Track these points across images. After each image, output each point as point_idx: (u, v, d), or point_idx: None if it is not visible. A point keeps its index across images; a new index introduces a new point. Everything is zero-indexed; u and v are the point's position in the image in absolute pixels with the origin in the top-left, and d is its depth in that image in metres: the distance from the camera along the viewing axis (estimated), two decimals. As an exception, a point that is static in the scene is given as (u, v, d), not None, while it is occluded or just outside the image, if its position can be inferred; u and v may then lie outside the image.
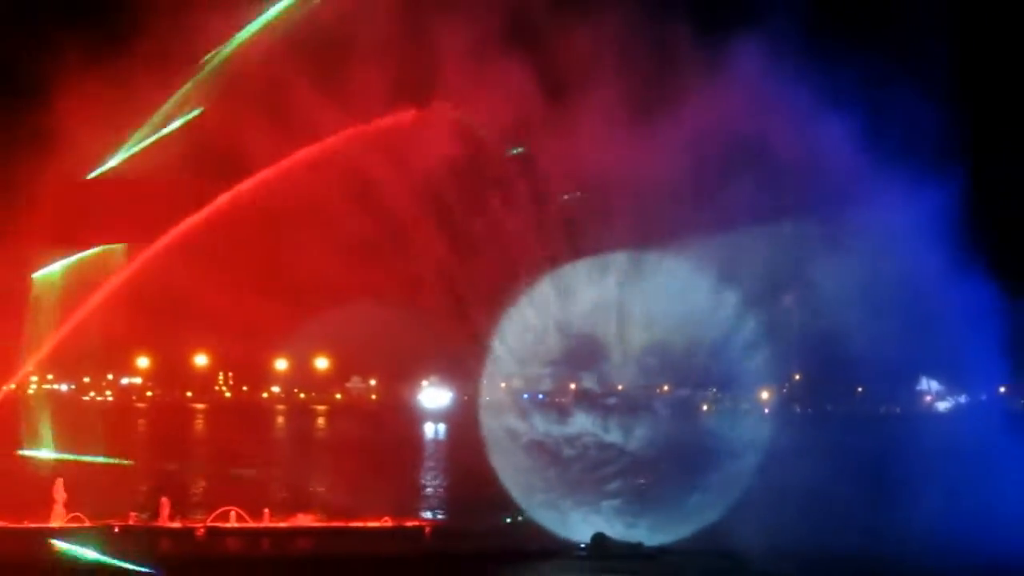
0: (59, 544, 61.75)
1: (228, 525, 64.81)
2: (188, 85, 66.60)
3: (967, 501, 65.02)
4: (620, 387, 70.52)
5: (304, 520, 67.40)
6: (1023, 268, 73.29)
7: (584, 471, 66.50)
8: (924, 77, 72.01)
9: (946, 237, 67.64)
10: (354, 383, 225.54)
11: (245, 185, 65.25)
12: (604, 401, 68.51)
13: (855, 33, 79.86)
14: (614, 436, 67.31)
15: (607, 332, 67.20)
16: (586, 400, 68.62)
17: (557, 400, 70.49)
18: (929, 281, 67.35)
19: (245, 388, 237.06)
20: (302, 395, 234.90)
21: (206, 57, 66.07)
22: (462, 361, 75.59)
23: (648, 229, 66.21)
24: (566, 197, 68.79)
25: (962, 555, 59.73)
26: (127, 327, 73.70)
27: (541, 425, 67.47)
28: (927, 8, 74.29)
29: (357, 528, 66.65)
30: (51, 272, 69.89)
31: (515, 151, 68.16)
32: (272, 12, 65.83)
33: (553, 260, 67.24)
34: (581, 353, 67.72)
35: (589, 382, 68.75)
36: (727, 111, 65.92)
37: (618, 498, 65.98)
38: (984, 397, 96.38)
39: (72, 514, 63.35)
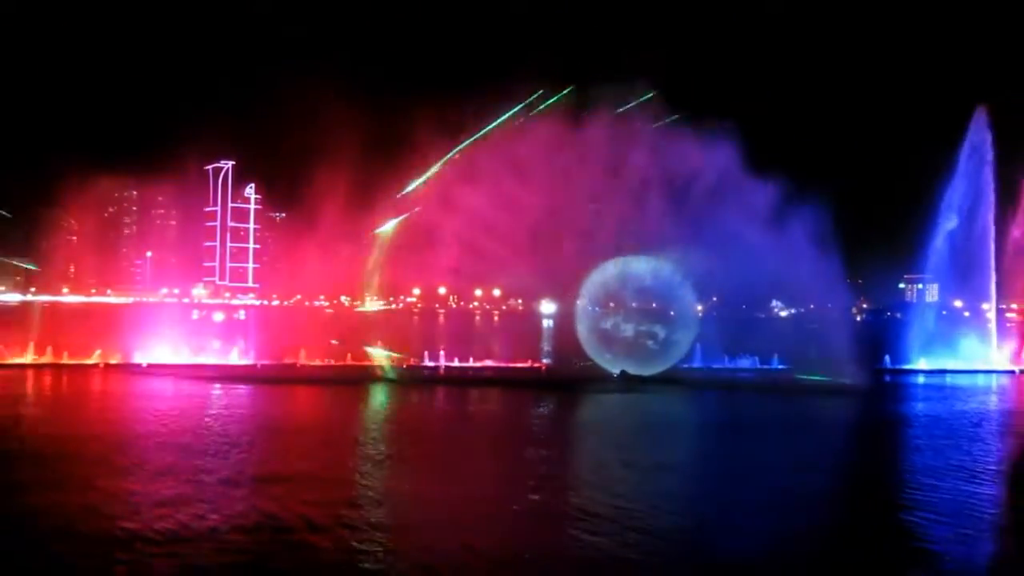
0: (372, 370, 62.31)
1: (452, 364, 65.22)
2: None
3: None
4: (634, 304, 68.69)
5: (488, 363, 67.47)
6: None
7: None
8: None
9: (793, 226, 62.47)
10: (511, 302, 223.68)
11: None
12: (626, 308, 66.38)
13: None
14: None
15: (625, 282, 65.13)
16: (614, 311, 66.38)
17: (602, 310, 68.66)
18: (779, 248, 62.20)
19: (462, 303, 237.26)
20: (487, 306, 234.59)
21: None
22: (565, 290, 73.71)
23: (644, 242, 64.03)
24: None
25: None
26: (409, 272, 73.16)
27: (599, 322, 65.76)
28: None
29: (510, 367, 66.35)
30: (386, 229, 68.19)
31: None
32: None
33: (611, 254, 64.62)
34: (614, 289, 65.85)
35: (619, 303, 66.64)
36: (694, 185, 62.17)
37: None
38: (803, 309, 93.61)
39: (392, 356, 64.23)
